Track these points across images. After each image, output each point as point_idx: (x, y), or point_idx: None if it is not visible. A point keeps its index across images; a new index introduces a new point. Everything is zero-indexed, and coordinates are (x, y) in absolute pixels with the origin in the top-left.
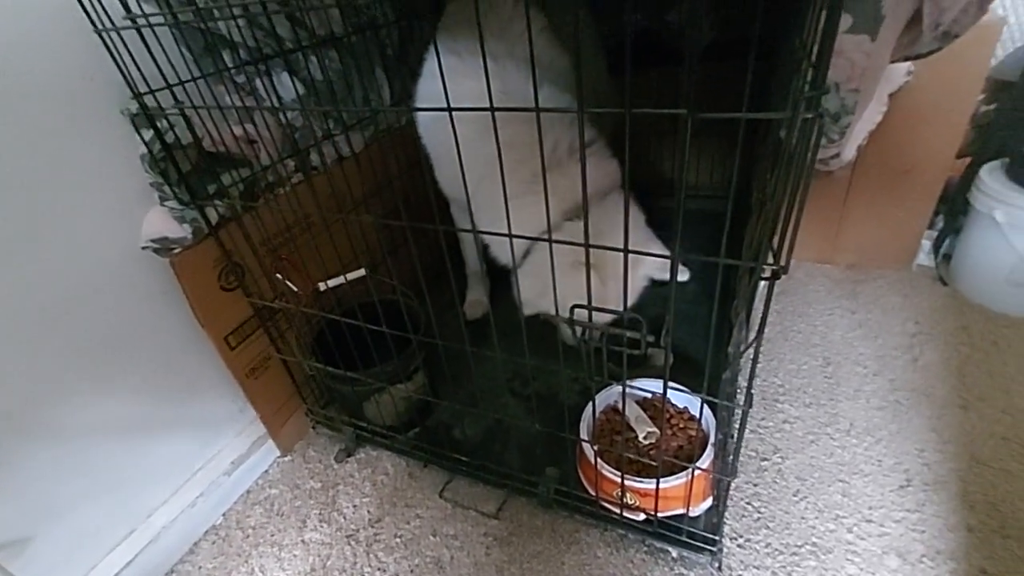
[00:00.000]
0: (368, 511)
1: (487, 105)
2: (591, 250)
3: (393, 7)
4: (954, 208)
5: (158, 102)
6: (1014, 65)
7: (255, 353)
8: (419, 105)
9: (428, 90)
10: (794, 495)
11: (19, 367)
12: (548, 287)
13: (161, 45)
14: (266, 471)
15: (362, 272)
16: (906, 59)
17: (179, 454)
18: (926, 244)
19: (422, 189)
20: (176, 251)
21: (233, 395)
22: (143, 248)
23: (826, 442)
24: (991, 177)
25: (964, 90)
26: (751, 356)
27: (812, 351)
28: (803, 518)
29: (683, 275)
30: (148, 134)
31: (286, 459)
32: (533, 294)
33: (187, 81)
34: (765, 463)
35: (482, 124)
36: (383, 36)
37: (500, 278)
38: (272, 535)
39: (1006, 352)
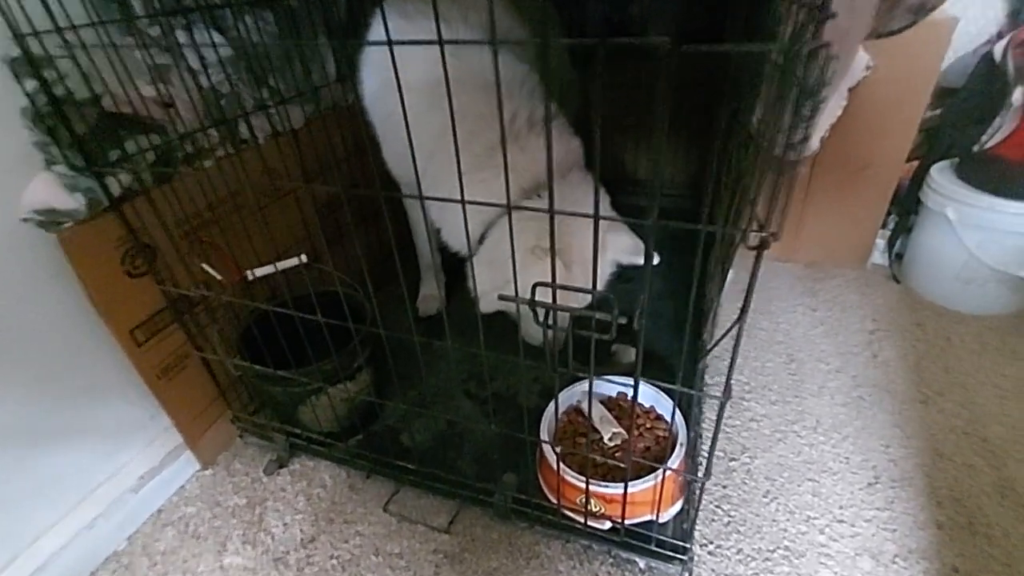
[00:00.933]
0: (300, 530)
1: (438, 77)
2: (553, 235)
3: None
4: (905, 208)
5: (44, 47)
6: (959, 72)
7: (169, 350)
8: (364, 75)
9: (374, 57)
10: (764, 496)
11: None
12: (506, 277)
13: None
14: (182, 487)
15: (296, 260)
16: (878, 36)
17: (75, 467)
18: (880, 243)
19: (371, 175)
20: (66, 225)
21: (142, 399)
22: (23, 220)
23: (794, 440)
24: (942, 176)
25: (917, 89)
26: (726, 348)
27: (776, 348)
28: (774, 520)
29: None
30: (31, 84)
31: (207, 472)
32: (490, 286)
33: (82, 26)
34: (734, 463)
35: (433, 93)
36: (329, 1)
37: (456, 271)
38: (185, 561)
39: (959, 348)
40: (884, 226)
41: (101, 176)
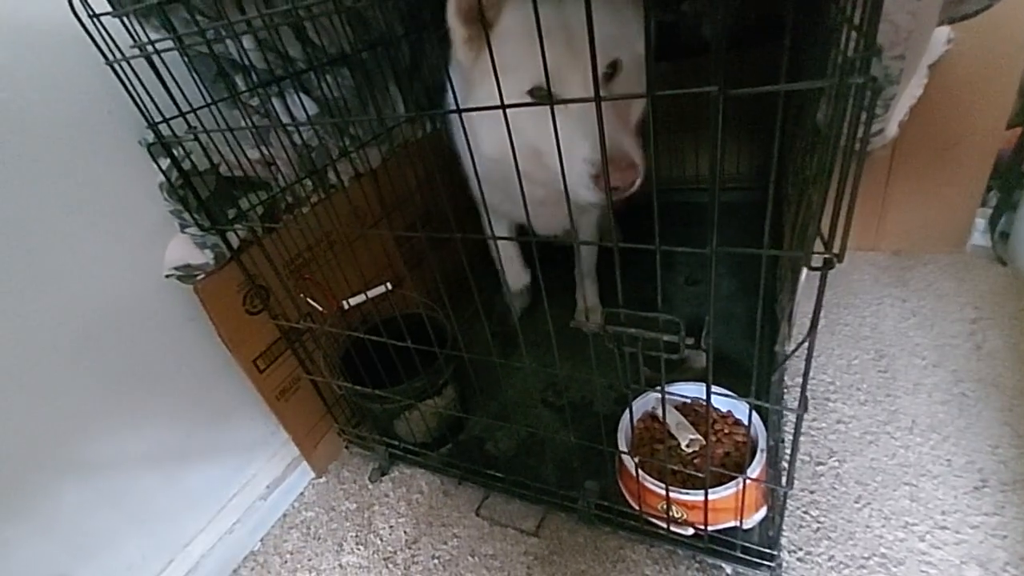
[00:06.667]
0: (404, 532)
1: None
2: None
3: (401, 21)
4: (1008, 182)
5: (173, 130)
6: None
7: (284, 375)
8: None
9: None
10: (856, 502)
11: (48, 401)
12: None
13: (172, 74)
14: (301, 493)
15: (383, 288)
16: (951, 21)
17: (213, 481)
18: (980, 223)
19: (442, 201)
20: (199, 277)
21: (264, 418)
22: (167, 276)
23: (887, 442)
24: None
25: (1010, 55)
26: (801, 355)
27: (862, 344)
28: (868, 527)
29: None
30: (165, 162)
31: (321, 481)
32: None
33: (200, 108)
34: (821, 468)
35: None
36: (394, 51)
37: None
38: (310, 560)
39: None
40: (984, 204)
41: (223, 232)
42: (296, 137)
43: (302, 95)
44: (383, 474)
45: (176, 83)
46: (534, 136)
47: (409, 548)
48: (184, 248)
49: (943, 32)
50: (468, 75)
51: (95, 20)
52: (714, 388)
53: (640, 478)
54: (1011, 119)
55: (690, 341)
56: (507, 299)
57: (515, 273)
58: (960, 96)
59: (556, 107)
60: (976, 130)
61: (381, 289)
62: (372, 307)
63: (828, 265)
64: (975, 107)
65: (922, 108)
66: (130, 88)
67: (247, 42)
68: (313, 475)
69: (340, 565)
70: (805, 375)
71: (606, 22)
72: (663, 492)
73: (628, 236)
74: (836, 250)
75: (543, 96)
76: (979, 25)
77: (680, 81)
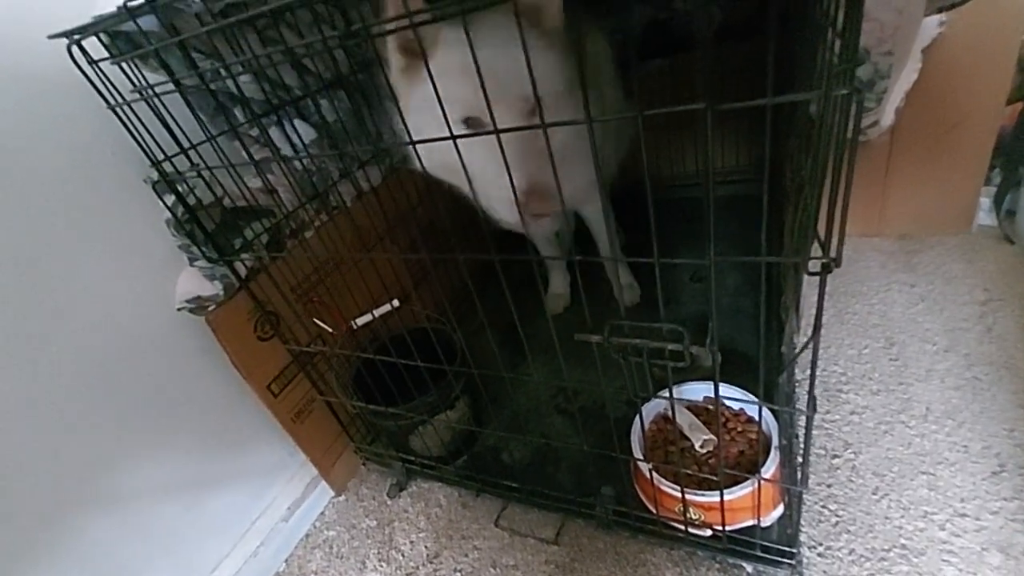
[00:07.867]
0: (425, 546)
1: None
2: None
3: None
4: (1012, 159)
5: (175, 167)
6: None
7: (298, 397)
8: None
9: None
10: (873, 493)
11: (73, 438)
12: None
13: (170, 112)
14: (322, 513)
15: (389, 306)
16: (940, 10)
17: (235, 505)
18: (985, 202)
19: (442, 215)
20: (210, 308)
21: (282, 441)
22: (178, 309)
23: (902, 431)
24: None
25: (1007, 30)
26: (807, 353)
27: (872, 332)
28: (887, 518)
29: None
30: (170, 199)
31: (340, 499)
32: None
33: (200, 143)
34: (836, 460)
35: None
36: (387, 69)
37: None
38: None
39: None
40: (989, 182)
41: (231, 263)
42: (296, 163)
43: (299, 122)
44: (401, 489)
45: (175, 121)
46: (464, 159)
47: (431, 562)
48: (194, 281)
49: (935, 15)
50: (403, 101)
51: (94, 66)
52: (724, 389)
53: (655, 482)
54: (1011, 95)
55: (694, 349)
56: (548, 296)
57: (554, 277)
58: (958, 75)
59: (486, 137)
60: (976, 108)
61: (387, 307)
62: (381, 324)
63: (826, 269)
64: (974, 85)
65: (920, 91)
66: (132, 130)
67: (243, 76)
68: (332, 494)
69: None
70: (812, 377)
71: (525, 63)
72: (679, 495)
73: (631, 234)
74: (833, 254)
75: (476, 125)
76: (971, 5)
77: (673, 77)
